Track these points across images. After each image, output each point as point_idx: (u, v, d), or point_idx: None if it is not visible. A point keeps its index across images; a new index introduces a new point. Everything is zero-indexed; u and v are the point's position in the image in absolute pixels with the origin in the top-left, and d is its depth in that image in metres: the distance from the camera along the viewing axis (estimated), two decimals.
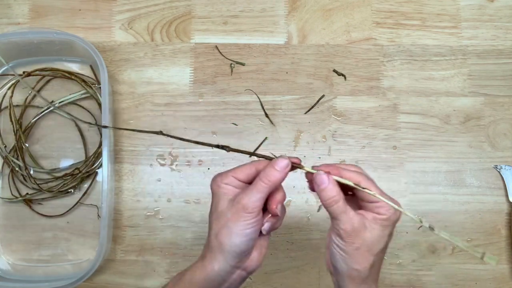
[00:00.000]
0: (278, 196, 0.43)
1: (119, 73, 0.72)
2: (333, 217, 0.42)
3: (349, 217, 0.41)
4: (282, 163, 0.42)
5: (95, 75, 0.72)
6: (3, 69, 0.72)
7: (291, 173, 0.43)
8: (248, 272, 0.44)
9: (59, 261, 0.69)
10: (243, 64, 0.73)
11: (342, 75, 0.73)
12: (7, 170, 0.70)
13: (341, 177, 0.42)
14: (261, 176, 0.41)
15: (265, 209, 0.44)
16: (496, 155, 0.72)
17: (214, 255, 0.42)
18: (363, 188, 0.42)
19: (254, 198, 0.41)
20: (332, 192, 0.41)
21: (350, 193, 0.45)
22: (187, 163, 0.71)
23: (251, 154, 0.46)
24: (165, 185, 0.70)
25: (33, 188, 0.69)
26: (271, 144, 0.71)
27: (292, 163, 0.43)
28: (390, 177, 0.71)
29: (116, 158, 0.70)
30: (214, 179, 0.43)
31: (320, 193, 0.42)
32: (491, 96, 0.73)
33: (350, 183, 0.42)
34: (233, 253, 0.41)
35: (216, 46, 0.73)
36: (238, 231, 0.40)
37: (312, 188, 0.44)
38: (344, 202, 0.41)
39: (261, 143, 0.71)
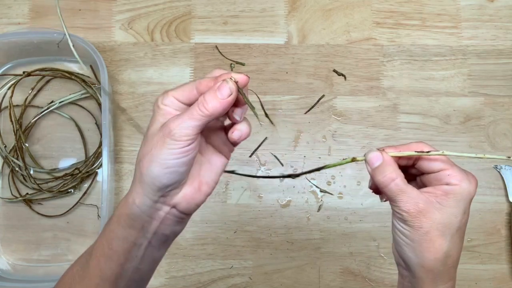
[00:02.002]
0: (236, 109, 0.36)
1: (119, 73, 0.72)
2: (392, 200, 0.35)
3: (412, 197, 0.34)
4: (225, 91, 0.33)
5: (95, 75, 0.72)
6: (3, 69, 0.72)
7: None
8: (180, 211, 0.37)
9: (59, 261, 0.69)
10: (243, 64, 0.73)
11: (342, 75, 0.73)
12: (7, 170, 0.70)
13: (399, 151, 0.37)
14: (199, 102, 0.34)
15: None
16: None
17: (135, 187, 0.36)
18: (427, 152, 0.35)
19: (184, 124, 0.33)
20: (387, 168, 0.35)
21: (415, 177, 0.39)
22: None
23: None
24: None
25: (33, 188, 0.69)
26: (271, 144, 0.71)
27: (239, 91, 0.34)
28: None
29: (116, 158, 0.70)
30: (156, 100, 0.36)
31: (373, 174, 0.36)
32: (491, 96, 0.73)
33: (411, 153, 0.36)
34: (152, 186, 0.34)
35: (216, 46, 0.73)
36: (159, 160, 0.34)
37: (376, 189, 0.38)
38: (403, 180, 0.35)
39: (261, 143, 0.71)
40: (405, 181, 0.35)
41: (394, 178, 0.35)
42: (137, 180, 0.35)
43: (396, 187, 0.35)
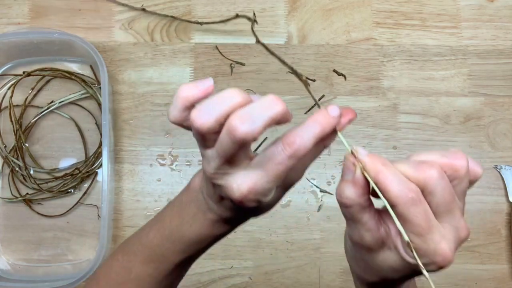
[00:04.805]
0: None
1: (119, 73, 0.72)
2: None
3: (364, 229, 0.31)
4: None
5: (95, 75, 0.72)
6: (3, 69, 0.72)
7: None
8: None
9: (59, 261, 0.69)
10: (243, 64, 0.73)
11: (342, 75, 0.73)
12: (7, 170, 0.70)
13: (377, 182, 0.28)
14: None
15: None
16: (496, 155, 0.72)
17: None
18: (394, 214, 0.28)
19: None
20: (347, 191, 0.30)
21: None
22: (187, 163, 0.71)
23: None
24: (165, 185, 0.70)
25: (33, 188, 0.69)
26: None
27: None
28: None
29: (116, 158, 0.70)
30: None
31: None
32: (491, 96, 0.73)
33: (382, 199, 0.28)
34: None
35: (216, 46, 0.73)
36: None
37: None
38: (360, 210, 0.30)
39: (261, 143, 0.71)
40: (363, 210, 0.31)
41: (350, 206, 0.31)
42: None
43: (348, 214, 0.32)
